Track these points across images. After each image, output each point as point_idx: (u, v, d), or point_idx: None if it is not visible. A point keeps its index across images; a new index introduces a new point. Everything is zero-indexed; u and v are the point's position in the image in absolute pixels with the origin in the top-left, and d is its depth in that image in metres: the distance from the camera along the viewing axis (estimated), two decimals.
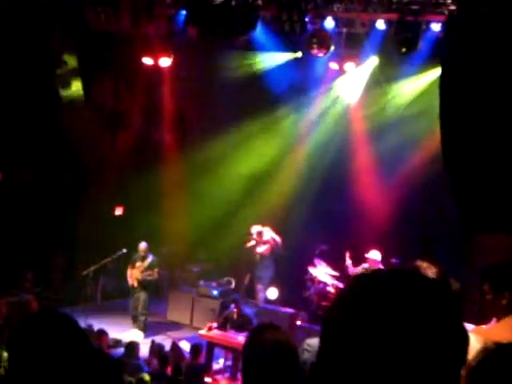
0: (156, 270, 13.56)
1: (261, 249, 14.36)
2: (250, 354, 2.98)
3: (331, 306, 1.39)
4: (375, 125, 14.76)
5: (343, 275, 13.48)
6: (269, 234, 14.36)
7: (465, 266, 10.79)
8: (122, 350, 10.97)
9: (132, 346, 10.53)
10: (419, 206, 13.94)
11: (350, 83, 14.54)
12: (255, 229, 14.32)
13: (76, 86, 14.82)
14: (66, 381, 1.99)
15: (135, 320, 13.59)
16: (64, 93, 14.66)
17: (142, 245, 13.58)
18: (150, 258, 13.50)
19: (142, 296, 13.53)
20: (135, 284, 13.50)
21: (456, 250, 12.03)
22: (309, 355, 3.31)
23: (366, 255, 12.87)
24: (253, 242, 14.36)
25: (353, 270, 13.13)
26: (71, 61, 14.58)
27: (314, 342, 3.44)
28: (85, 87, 14.82)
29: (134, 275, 13.48)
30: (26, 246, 14.43)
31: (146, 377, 8.54)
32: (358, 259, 13.15)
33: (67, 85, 14.74)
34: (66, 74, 14.67)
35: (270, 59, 14.86)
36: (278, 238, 14.30)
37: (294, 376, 2.90)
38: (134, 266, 13.52)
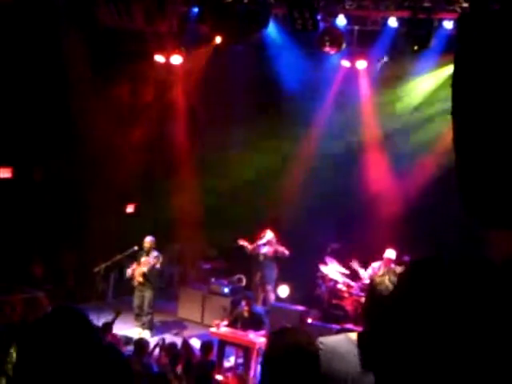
0: (159, 260, 13.39)
1: (264, 249, 14.31)
2: (273, 356, 2.99)
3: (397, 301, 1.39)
4: (388, 123, 14.73)
5: (354, 274, 13.47)
6: (274, 241, 14.36)
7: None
8: (132, 347, 10.96)
9: (141, 344, 10.51)
10: (430, 204, 13.89)
11: (362, 81, 14.50)
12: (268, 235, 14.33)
13: None
14: (75, 378, 1.99)
15: (138, 319, 13.58)
16: None
17: (148, 238, 13.45)
18: (154, 253, 13.41)
19: (147, 294, 13.44)
20: (140, 279, 13.42)
21: (467, 246, 11.98)
22: (321, 353, 3.30)
23: (385, 255, 12.88)
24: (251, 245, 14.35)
25: (365, 273, 13.15)
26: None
27: (327, 340, 3.42)
28: (98, 86, 14.87)
29: (138, 271, 13.38)
30: (38, 243, 14.49)
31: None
32: (369, 258, 13.15)
33: None
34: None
35: (282, 57, 14.82)
36: (281, 248, 14.28)
37: (314, 377, 2.91)
38: (139, 263, 13.43)
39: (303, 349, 2.90)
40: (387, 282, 3.21)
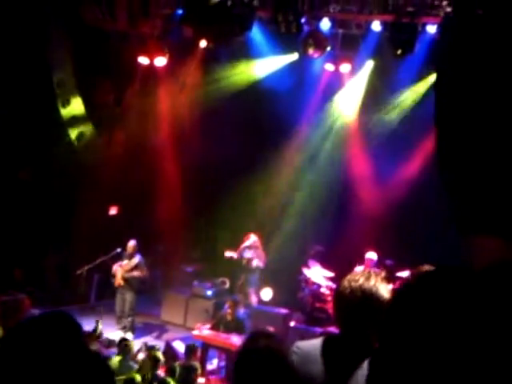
0: (145, 268, 13.36)
1: (247, 254, 14.26)
2: (244, 361, 2.98)
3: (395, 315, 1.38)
4: (372, 131, 14.75)
5: (338, 276, 13.47)
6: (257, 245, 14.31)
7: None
8: (115, 350, 10.91)
9: (125, 345, 10.47)
10: (412, 208, 13.94)
11: (347, 93, 14.56)
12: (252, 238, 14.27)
13: (76, 104, 14.85)
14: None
15: (120, 321, 13.49)
16: (64, 111, 14.70)
17: (131, 243, 13.40)
18: (137, 258, 13.36)
19: (129, 297, 13.36)
20: (121, 282, 13.37)
21: (451, 251, 12.03)
22: (297, 358, 3.30)
23: (365, 256, 12.89)
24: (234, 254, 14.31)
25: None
26: (70, 81, 14.60)
27: (303, 344, 3.43)
28: (81, 87, 14.81)
29: (119, 274, 13.31)
30: (20, 244, 14.38)
31: (138, 377, 8.49)
32: (351, 261, 13.17)
33: (67, 103, 14.74)
34: (65, 93, 14.68)
35: (266, 64, 14.79)
36: (258, 259, 14.22)
37: (286, 381, 2.90)
38: (121, 265, 13.38)
39: (275, 353, 2.90)
40: (346, 282, 3.22)
